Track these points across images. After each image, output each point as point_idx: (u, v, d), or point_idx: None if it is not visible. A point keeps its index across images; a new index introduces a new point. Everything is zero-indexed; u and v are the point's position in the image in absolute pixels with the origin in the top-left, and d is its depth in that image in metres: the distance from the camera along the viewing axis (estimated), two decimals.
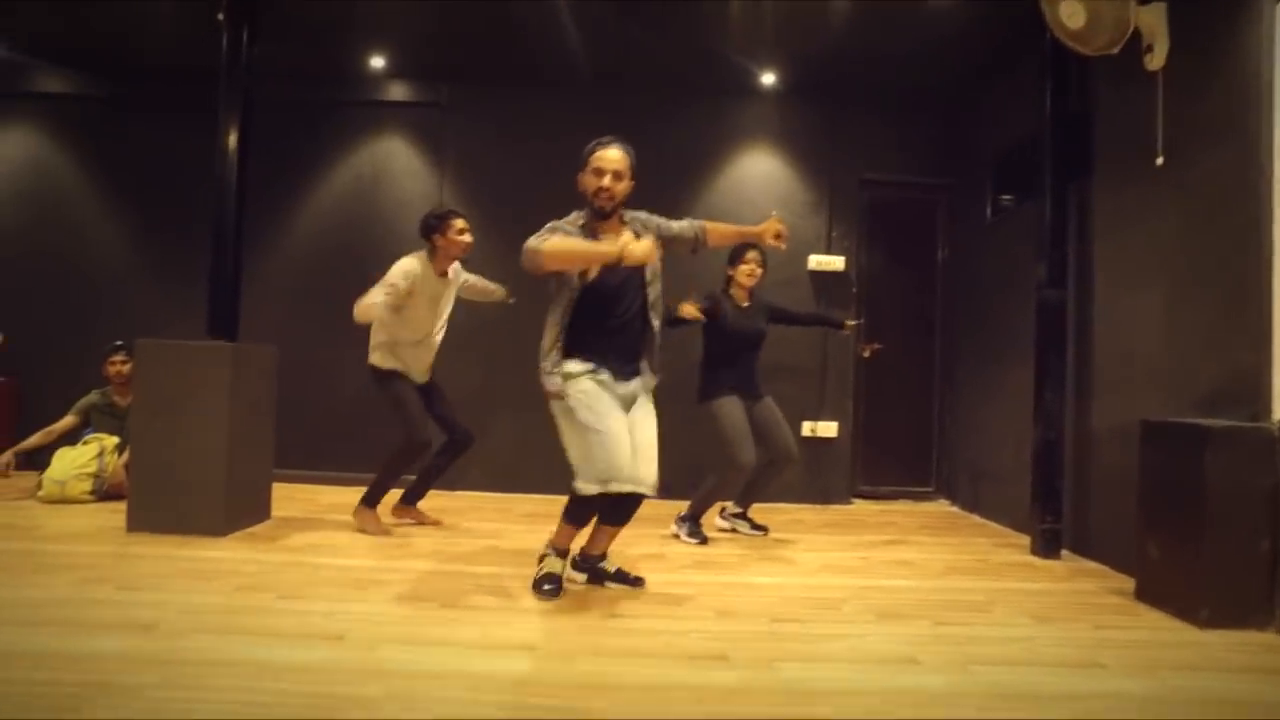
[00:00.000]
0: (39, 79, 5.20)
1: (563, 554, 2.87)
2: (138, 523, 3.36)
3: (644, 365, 2.79)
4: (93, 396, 4.44)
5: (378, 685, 1.89)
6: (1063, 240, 3.70)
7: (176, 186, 5.01)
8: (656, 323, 2.78)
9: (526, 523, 4.09)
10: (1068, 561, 3.57)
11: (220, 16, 3.73)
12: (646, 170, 4.95)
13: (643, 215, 2.84)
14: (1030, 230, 3.92)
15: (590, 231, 2.70)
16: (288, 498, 4.37)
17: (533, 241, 2.58)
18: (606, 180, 2.65)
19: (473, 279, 3.92)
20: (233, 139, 3.72)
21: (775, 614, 2.63)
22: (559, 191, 4.94)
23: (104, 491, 3.99)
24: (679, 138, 5.12)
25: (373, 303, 3.53)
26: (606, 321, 2.69)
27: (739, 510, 4.01)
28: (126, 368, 4.35)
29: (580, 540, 2.91)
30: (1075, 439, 3.73)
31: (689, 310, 3.62)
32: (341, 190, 5.19)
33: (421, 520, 3.87)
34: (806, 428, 4.97)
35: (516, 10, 4.25)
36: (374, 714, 1.74)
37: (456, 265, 3.83)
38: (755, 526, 3.97)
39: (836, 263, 5.05)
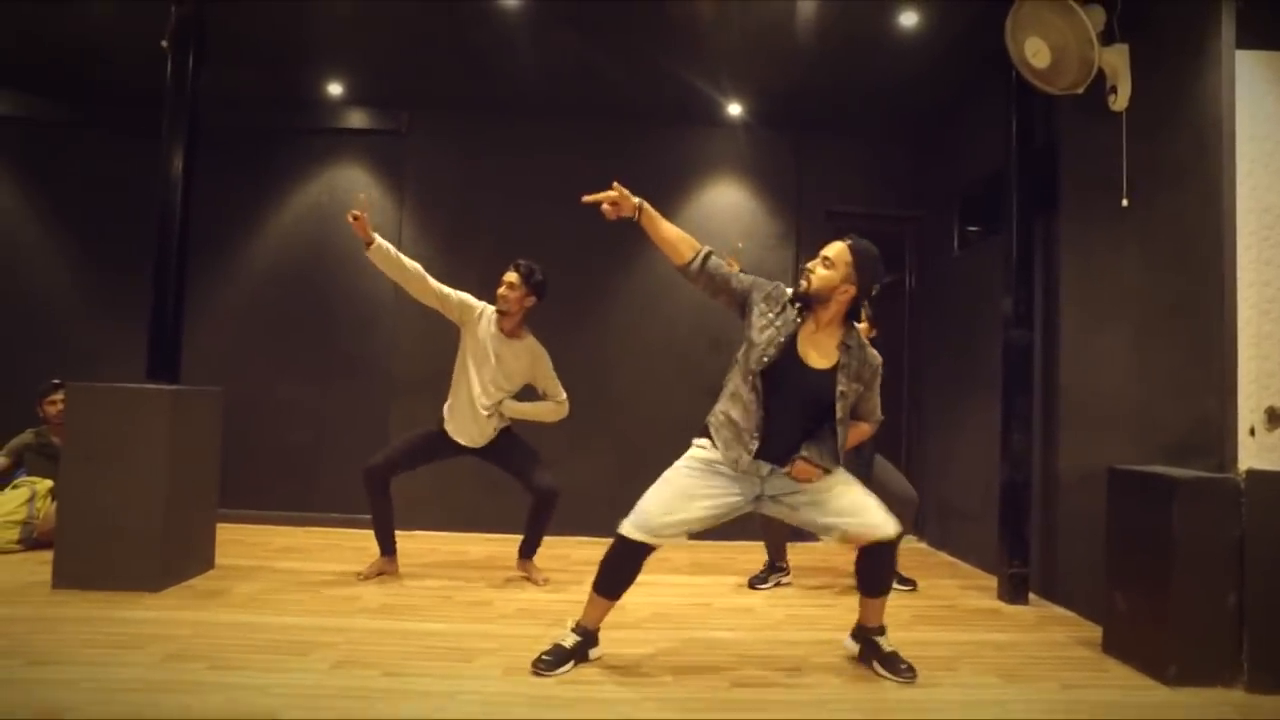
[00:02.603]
0: None
1: (581, 629, 2.59)
2: (64, 579, 3.16)
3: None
4: (27, 436, 4.22)
5: None
6: (1029, 277, 3.67)
7: (124, 216, 4.82)
8: (842, 435, 2.52)
9: (482, 568, 3.94)
10: (1036, 607, 3.51)
11: (164, 43, 3.59)
12: None
13: (873, 359, 2.57)
14: (996, 263, 3.89)
15: (795, 317, 2.49)
16: (238, 541, 4.20)
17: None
18: (813, 263, 2.48)
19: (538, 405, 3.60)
20: (177, 172, 3.56)
21: (734, 677, 2.52)
22: (520, 221, 4.92)
23: (33, 540, 3.76)
24: (643, 167, 5.02)
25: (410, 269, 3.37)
26: (766, 415, 2.47)
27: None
28: (63, 407, 4.14)
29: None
30: (1043, 481, 3.69)
31: None
32: (299, 219, 5.03)
33: (530, 576, 3.63)
34: None
35: (477, 38, 4.15)
36: None
37: (538, 349, 3.54)
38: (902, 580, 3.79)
39: None
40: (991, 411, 3.85)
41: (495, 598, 3.38)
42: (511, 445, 3.58)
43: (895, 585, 3.63)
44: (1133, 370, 3.14)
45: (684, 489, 2.49)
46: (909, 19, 3.83)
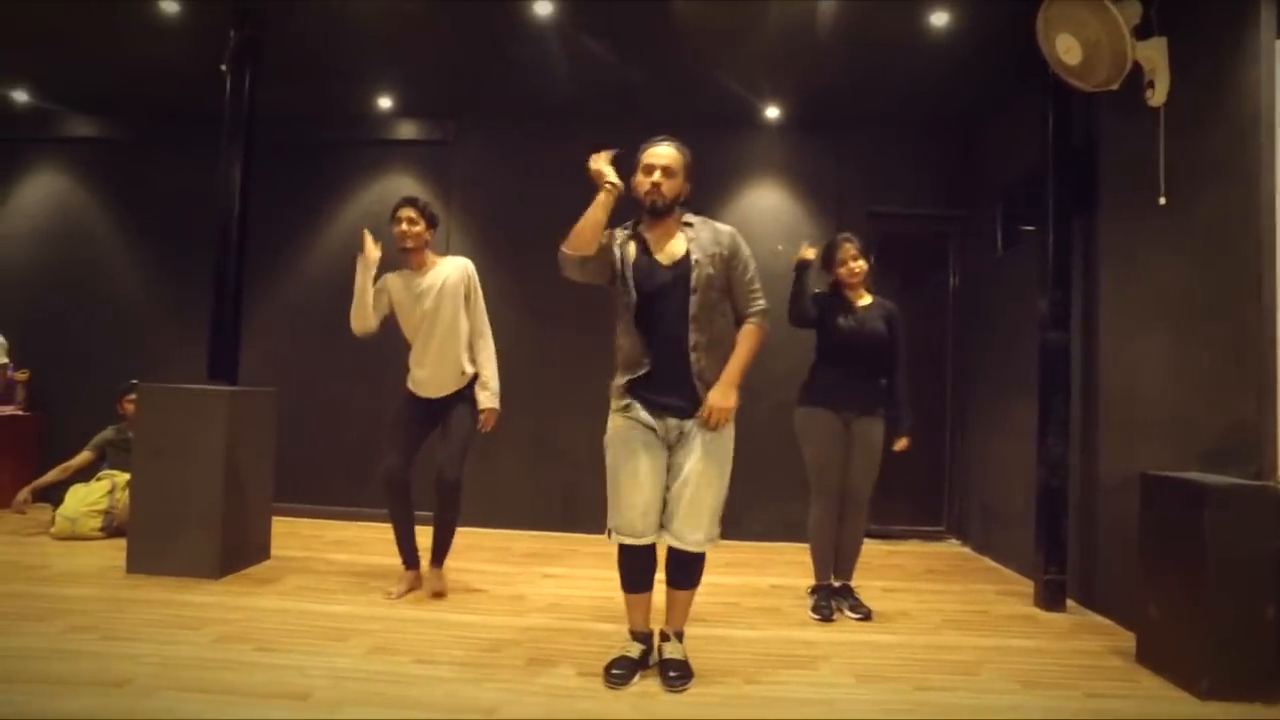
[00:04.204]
0: (66, 124, 5.42)
1: (636, 635, 2.60)
2: (137, 564, 3.44)
3: (691, 395, 2.46)
4: (108, 432, 4.57)
5: None
6: (1066, 279, 3.59)
7: (194, 226, 5.14)
8: (697, 338, 2.45)
9: (523, 564, 4.08)
10: (1072, 614, 3.44)
11: (223, 68, 3.85)
12: None
13: (724, 228, 2.56)
14: (1037, 264, 3.81)
15: (641, 234, 2.54)
16: (292, 534, 4.45)
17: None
18: (656, 175, 2.49)
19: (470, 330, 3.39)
20: (235, 186, 3.83)
21: (750, 674, 2.57)
22: (563, 225, 5.04)
23: (114, 528, 4.09)
24: None
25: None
26: (649, 337, 2.48)
27: (835, 582, 3.38)
28: None
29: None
30: (1081, 485, 3.60)
31: (806, 253, 3.31)
32: (352, 227, 5.26)
33: (434, 587, 3.40)
34: None
35: (518, 49, 4.30)
36: None
37: (458, 260, 3.44)
38: (855, 607, 3.29)
39: None
40: (1033, 414, 3.77)
41: (530, 592, 3.52)
42: (455, 414, 3.36)
43: (848, 613, 3.29)
44: (1172, 373, 3.05)
45: (633, 472, 2.45)
46: (947, 17, 3.79)
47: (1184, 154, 2.96)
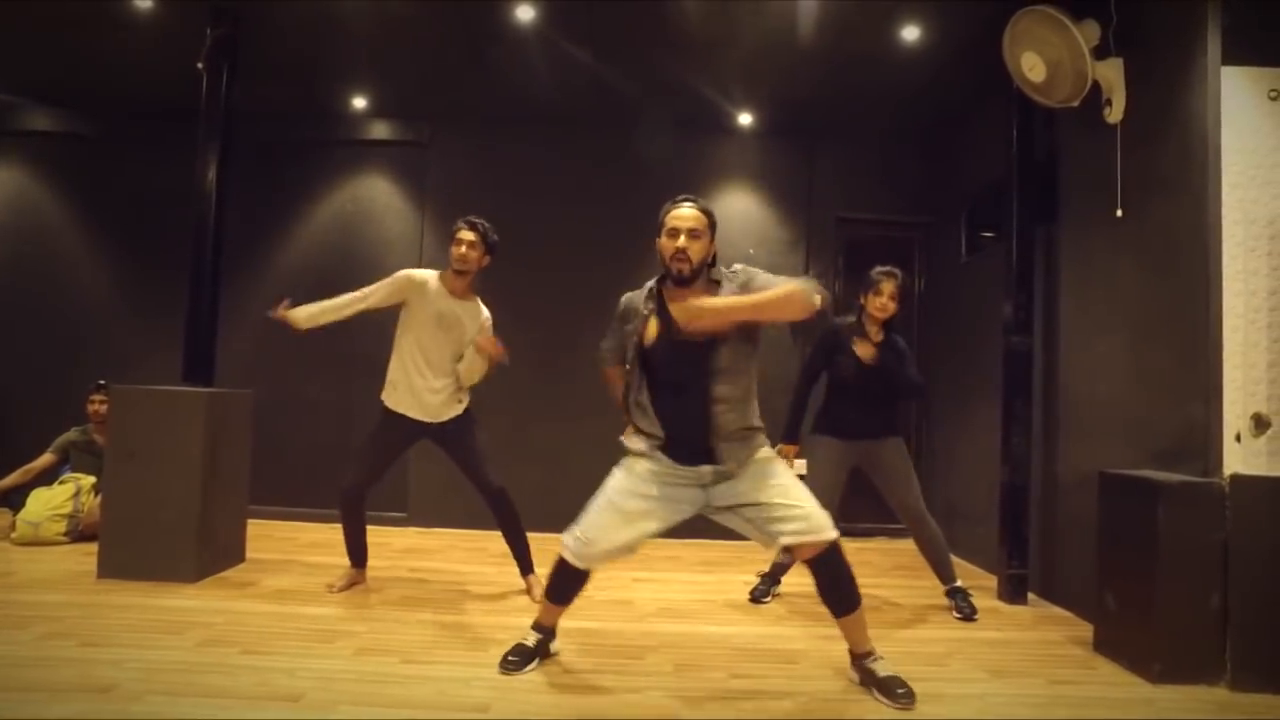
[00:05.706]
0: (25, 117, 5.27)
1: (539, 626, 2.67)
2: (108, 569, 3.38)
3: (720, 449, 2.39)
4: (72, 434, 4.47)
5: None
6: (1028, 285, 3.75)
7: (160, 223, 5.07)
8: (722, 400, 2.36)
9: (499, 563, 4.10)
10: (1034, 607, 3.60)
11: (200, 65, 3.80)
12: (625, 206, 5.12)
13: (750, 272, 2.41)
14: (1001, 269, 3.97)
15: (666, 299, 2.44)
16: (265, 536, 4.41)
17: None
18: (681, 240, 2.36)
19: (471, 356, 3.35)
20: (211, 185, 3.79)
21: (733, 669, 2.65)
22: (539, 229, 5.09)
23: (78, 532, 4.01)
24: (656, 174, 5.18)
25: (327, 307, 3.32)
26: (666, 412, 2.44)
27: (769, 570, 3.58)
28: (106, 407, 4.38)
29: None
30: (1043, 483, 3.77)
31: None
32: (324, 227, 5.24)
33: (530, 591, 3.44)
34: None
35: (494, 52, 4.32)
36: None
37: (484, 312, 3.43)
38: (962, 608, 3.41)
39: None
40: (993, 416, 3.93)
41: (509, 592, 3.55)
42: (465, 434, 3.39)
43: (955, 615, 3.38)
44: (1128, 376, 3.21)
45: (629, 514, 2.44)
46: (918, 32, 3.92)
47: (1138, 169, 3.13)
